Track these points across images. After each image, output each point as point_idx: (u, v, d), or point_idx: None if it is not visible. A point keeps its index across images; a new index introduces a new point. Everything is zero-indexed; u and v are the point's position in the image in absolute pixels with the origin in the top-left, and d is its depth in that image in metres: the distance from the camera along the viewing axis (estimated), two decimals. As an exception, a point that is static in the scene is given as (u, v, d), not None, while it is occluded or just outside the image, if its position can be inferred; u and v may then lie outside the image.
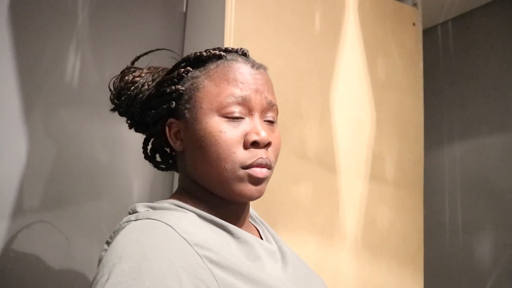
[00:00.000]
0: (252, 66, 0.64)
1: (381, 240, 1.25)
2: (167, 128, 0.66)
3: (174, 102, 0.65)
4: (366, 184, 1.25)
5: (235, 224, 0.64)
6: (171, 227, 0.56)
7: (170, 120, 0.66)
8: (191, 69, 0.66)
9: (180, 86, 0.65)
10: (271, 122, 0.65)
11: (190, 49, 1.31)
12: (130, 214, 0.64)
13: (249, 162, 0.61)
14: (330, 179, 1.19)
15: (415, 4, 1.44)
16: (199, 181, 0.65)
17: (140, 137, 0.77)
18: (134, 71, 0.71)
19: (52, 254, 1.08)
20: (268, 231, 0.74)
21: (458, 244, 1.58)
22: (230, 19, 1.07)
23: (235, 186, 0.61)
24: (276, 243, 0.70)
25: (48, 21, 1.16)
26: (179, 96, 0.65)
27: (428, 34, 1.70)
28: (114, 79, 0.72)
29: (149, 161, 0.75)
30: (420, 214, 1.35)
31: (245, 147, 0.61)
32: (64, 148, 1.15)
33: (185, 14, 1.38)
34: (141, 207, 0.64)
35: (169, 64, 0.74)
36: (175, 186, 1.30)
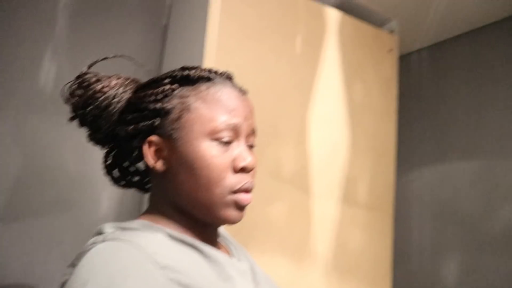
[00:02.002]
0: (240, 91, 0.66)
1: (351, 262, 1.26)
2: (145, 146, 0.64)
3: (158, 120, 0.63)
4: (339, 207, 1.26)
5: (206, 243, 0.64)
6: (140, 249, 0.54)
7: (152, 137, 0.63)
8: (177, 87, 0.64)
9: (167, 104, 0.63)
10: (251, 147, 0.66)
11: (170, 63, 1.30)
12: (96, 235, 0.61)
13: (238, 186, 0.62)
14: (303, 201, 1.19)
15: (392, 31, 1.48)
16: (181, 202, 0.63)
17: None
18: (100, 80, 0.67)
19: (11, 268, 1.04)
20: (239, 249, 0.73)
21: (425, 267, 1.61)
22: (212, 36, 1.07)
23: (221, 211, 0.62)
24: (248, 262, 0.70)
25: (24, 25, 1.13)
26: (165, 114, 0.63)
27: (404, 60, 1.74)
28: (70, 85, 0.67)
29: (110, 177, 0.72)
30: (389, 237, 1.37)
31: (235, 171, 0.62)
32: (32, 156, 1.11)
33: (166, 27, 1.37)
34: (108, 228, 0.61)
35: (134, 74, 0.71)
36: (145, 199, 1.27)
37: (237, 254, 0.71)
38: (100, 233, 0.61)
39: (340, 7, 1.35)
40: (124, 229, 0.61)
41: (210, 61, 1.06)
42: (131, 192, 1.25)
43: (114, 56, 0.72)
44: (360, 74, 1.36)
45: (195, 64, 1.08)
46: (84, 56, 1.23)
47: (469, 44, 1.63)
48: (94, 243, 0.57)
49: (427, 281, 1.58)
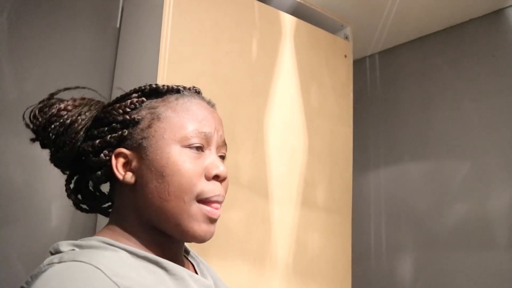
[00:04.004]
0: (208, 103, 0.67)
1: (311, 265, 1.27)
2: (113, 159, 0.62)
3: (126, 131, 0.62)
4: (298, 211, 1.26)
5: (170, 260, 0.61)
6: (100, 270, 0.51)
7: (119, 149, 0.62)
8: (145, 99, 0.64)
9: (136, 115, 0.62)
10: (222, 158, 0.67)
11: (123, 66, 1.26)
12: (52, 254, 0.57)
13: (210, 194, 0.61)
14: (262, 206, 1.18)
15: (346, 37, 1.51)
16: (148, 215, 0.61)
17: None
18: (64, 100, 0.66)
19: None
20: (203, 265, 0.72)
21: (382, 265, 1.66)
22: (165, 40, 1.04)
23: (190, 223, 0.60)
24: (214, 280, 0.69)
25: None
26: (134, 124, 0.62)
27: (356, 65, 1.79)
28: (32, 108, 0.66)
29: (72, 201, 0.69)
30: (348, 238, 1.40)
31: (207, 179, 0.62)
32: (-29, 168, 1.03)
33: (119, 29, 1.32)
34: (65, 246, 0.57)
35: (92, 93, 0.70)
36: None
37: (202, 270, 0.70)
38: (55, 252, 0.57)
39: (295, 13, 1.37)
40: (82, 247, 0.57)
41: (164, 66, 1.03)
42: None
43: (77, 88, 0.70)
44: (316, 79, 1.38)
45: (149, 69, 1.05)
46: (29, 57, 1.16)
47: (417, 51, 1.71)
48: (50, 264, 0.53)
49: (385, 278, 1.63)
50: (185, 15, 1.09)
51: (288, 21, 1.33)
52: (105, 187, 0.68)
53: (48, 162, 0.68)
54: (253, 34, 1.23)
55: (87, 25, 1.27)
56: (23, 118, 0.66)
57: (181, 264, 0.65)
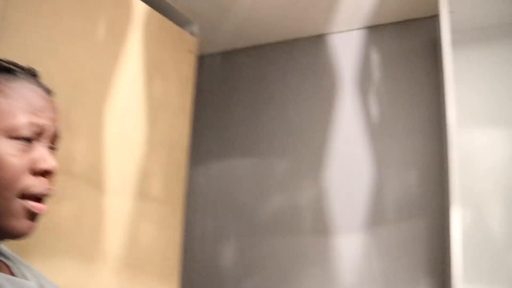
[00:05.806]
0: (45, 91, 0.61)
1: (143, 257, 1.27)
2: None
3: None
4: (132, 202, 1.24)
5: None
6: None
7: None
8: None
9: None
10: (52, 149, 0.62)
11: None
12: None
13: (31, 189, 0.56)
14: (95, 198, 1.12)
15: (192, 33, 1.55)
16: None
17: None
18: None
19: None
20: (22, 265, 0.65)
21: (207, 254, 1.77)
22: (-9, 2, 0.88)
23: (9, 220, 0.54)
24: (37, 279, 0.63)
25: None
26: None
27: (198, 62, 1.85)
28: None
29: None
30: (179, 229, 1.44)
31: (34, 174, 0.57)
32: None
33: None
34: None
35: None
36: None
37: (21, 271, 0.63)
38: None
39: (146, 0, 1.33)
40: None
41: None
42: None
43: None
44: (161, 70, 1.38)
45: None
46: None
47: (254, 57, 1.87)
48: None
49: (209, 265, 1.75)
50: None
51: (139, 7, 1.28)
52: None
53: None
54: (100, 13, 1.14)
55: None
56: None
57: None
